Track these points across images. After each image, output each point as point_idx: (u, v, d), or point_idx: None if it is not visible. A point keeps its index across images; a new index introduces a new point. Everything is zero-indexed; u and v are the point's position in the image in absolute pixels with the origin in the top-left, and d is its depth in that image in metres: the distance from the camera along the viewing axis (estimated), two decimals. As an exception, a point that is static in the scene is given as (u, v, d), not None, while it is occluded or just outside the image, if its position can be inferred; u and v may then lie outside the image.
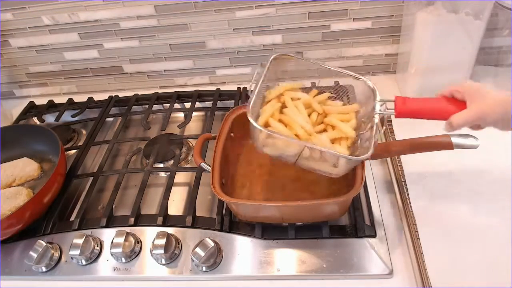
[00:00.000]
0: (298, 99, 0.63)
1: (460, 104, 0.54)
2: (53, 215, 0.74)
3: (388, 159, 0.76)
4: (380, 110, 0.58)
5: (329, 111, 0.64)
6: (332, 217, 0.67)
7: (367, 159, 0.55)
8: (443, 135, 0.62)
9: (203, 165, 0.68)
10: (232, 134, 0.74)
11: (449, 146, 0.61)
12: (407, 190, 0.69)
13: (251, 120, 0.56)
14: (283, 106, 0.63)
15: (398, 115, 0.58)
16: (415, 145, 0.64)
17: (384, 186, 0.74)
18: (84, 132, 0.99)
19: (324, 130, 0.62)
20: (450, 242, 0.61)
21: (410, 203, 0.67)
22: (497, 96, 0.49)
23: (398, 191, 0.70)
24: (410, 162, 0.74)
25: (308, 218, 0.65)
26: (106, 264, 0.67)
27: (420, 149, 0.64)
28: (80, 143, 0.92)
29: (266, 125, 0.60)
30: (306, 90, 0.66)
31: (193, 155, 0.72)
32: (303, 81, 0.67)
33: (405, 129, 0.79)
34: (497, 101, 0.48)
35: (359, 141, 0.60)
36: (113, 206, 0.74)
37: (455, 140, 0.61)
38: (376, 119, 0.58)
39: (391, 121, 0.82)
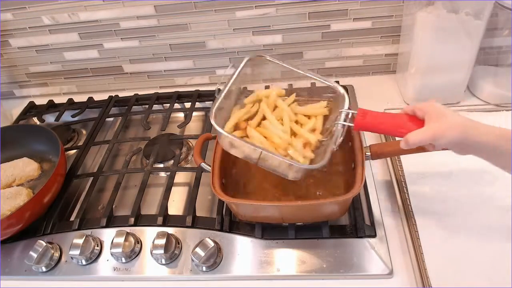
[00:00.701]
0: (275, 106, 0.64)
1: (419, 122, 0.54)
2: (53, 215, 0.74)
3: (388, 159, 0.76)
4: (343, 120, 0.58)
5: (298, 111, 0.64)
6: (332, 217, 0.67)
7: (318, 168, 0.55)
8: None
9: (203, 165, 0.68)
10: None
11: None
12: (407, 190, 0.69)
13: (214, 124, 0.56)
14: (257, 113, 0.64)
15: (356, 128, 0.58)
16: None
17: (384, 186, 0.74)
18: (84, 132, 0.99)
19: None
20: (450, 242, 0.61)
21: (410, 203, 0.67)
22: (454, 119, 0.50)
23: (398, 191, 0.70)
24: (410, 162, 0.74)
25: (308, 218, 0.65)
26: (106, 264, 0.67)
27: (420, 149, 0.64)
28: (80, 143, 0.92)
29: (236, 127, 0.61)
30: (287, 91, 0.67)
31: (193, 155, 0.72)
32: (280, 83, 0.67)
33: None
34: (452, 124, 0.49)
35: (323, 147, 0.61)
36: (113, 206, 0.74)
37: None
38: (338, 129, 0.58)
39: None
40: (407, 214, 0.66)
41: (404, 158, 0.74)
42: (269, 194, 0.70)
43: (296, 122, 0.63)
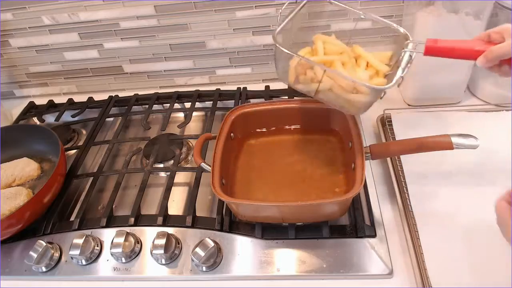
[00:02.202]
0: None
1: (496, 44, 0.53)
2: (53, 215, 0.74)
3: (388, 159, 0.76)
4: (408, 48, 0.58)
5: (362, 53, 0.63)
6: (332, 217, 0.67)
7: (387, 89, 0.54)
8: (443, 135, 0.62)
9: (203, 165, 0.68)
10: (232, 134, 0.74)
11: (449, 146, 0.61)
12: (407, 190, 0.69)
13: (278, 46, 0.56)
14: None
15: (427, 52, 0.57)
16: (415, 145, 0.64)
17: (384, 186, 0.74)
18: (84, 132, 0.99)
19: None
20: (450, 242, 0.61)
21: (410, 203, 0.68)
22: None
23: (398, 191, 0.70)
24: (410, 162, 0.74)
25: (308, 218, 0.65)
26: (106, 264, 0.67)
27: (420, 149, 0.64)
28: (80, 143, 0.92)
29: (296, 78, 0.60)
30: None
31: (193, 155, 0.72)
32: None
33: (405, 129, 0.79)
34: None
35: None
36: (113, 206, 0.74)
37: (455, 140, 0.61)
38: (406, 56, 0.57)
39: (391, 122, 0.83)
40: (407, 214, 0.66)
41: (404, 158, 0.74)
42: (270, 194, 0.70)
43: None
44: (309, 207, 0.61)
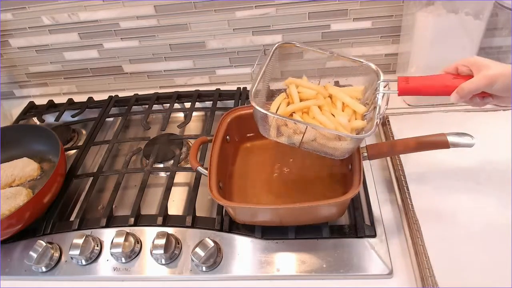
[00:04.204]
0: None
1: (465, 78, 0.54)
2: (53, 215, 0.74)
3: (388, 158, 0.76)
4: (382, 89, 0.59)
5: (336, 93, 0.64)
6: (331, 219, 0.67)
7: (368, 136, 0.55)
8: (439, 134, 0.62)
9: (200, 169, 0.68)
10: (228, 137, 0.74)
11: (445, 145, 0.61)
12: (407, 190, 0.69)
13: (255, 105, 0.56)
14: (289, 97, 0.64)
15: (401, 93, 0.58)
16: (411, 144, 0.64)
17: (384, 186, 0.73)
18: (84, 132, 0.99)
19: None
20: (451, 241, 0.61)
21: (411, 202, 0.67)
22: (504, 65, 0.50)
23: (398, 191, 0.70)
24: (411, 161, 0.74)
25: (306, 220, 0.65)
26: (106, 264, 0.67)
27: (417, 149, 0.64)
28: (80, 143, 0.92)
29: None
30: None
31: (189, 160, 0.72)
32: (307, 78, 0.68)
33: (404, 129, 0.79)
34: (504, 69, 0.49)
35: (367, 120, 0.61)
36: (113, 206, 0.74)
37: (451, 138, 0.61)
38: (379, 99, 0.58)
39: (389, 121, 0.83)
40: (408, 214, 0.66)
41: (404, 158, 0.74)
42: (267, 197, 0.70)
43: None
44: (307, 209, 0.61)
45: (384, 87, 0.59)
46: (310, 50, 0.65)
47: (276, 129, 0.61)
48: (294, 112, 0.62)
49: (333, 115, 0.61)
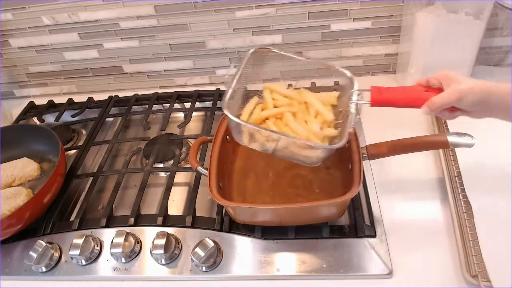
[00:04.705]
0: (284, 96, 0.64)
1: (436, 91, 0.55)
2: (53, 215, 0.74)
3: (442, 155, 0.75)
4: (355, 99, 0.59)
5: (309, 99, 0.64)
6: (330, 219, 0.67)
7: (338, 148, 0.55)
8: (439, 134, 0.62)
9: (200, 169, 0.68)
10: (227, 137, 0.73)
11: (445, 145, 0.61)
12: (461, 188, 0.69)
13: (228, 114, 0.56)
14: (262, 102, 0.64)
15: (373, 104, 0.58)
16: (411, 144, 0.64)
17: (384, 185, 0.73)
18: (84, 132, 0.99)
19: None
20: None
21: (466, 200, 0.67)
22: (474, 81, 0.51)
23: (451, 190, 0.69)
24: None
25: (306, 220, 0.65)
26: (106, 264, 0.67)
27: (417, 149, 0.64)
28: (80, 143, 0.92)
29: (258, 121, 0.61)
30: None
31: (189, 160, 0.72)
32: (285, 81, 0.67)
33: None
34: (474, 85, 0.50)
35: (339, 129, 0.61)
36: (113, 206, 0.74)
37: (451, 138, 0.61)
38: (352, 108, 0.58)
39: None
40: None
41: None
42: (267, 197, 0.70)
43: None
44: (307, 209, 0.60)
45: (358, 95, 0.59)
46: (286, 55, 0.65)
47: (249, 135, 0.61)
48: (267, 118, 0.62)
49: (306, 122, 0.62)
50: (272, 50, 0.64)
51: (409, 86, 0.58)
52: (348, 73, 0.63)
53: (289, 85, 0.68)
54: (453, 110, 0.54)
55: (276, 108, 0.62)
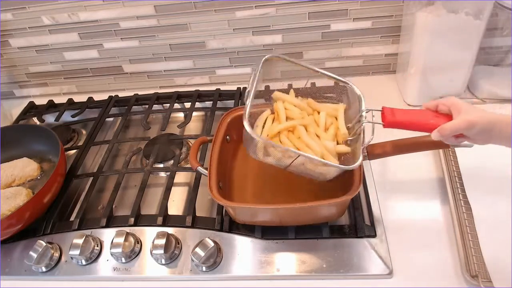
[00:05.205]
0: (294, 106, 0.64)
1: (445, 117, 0.57)
2: (53, 215, 0.74)
3: (442, 156, 0.75)
4: (366, 119, 0.60)
5: (319, 108, 0.65)
6: (331, 219, 0.67)
7: (353, 168, 0.56)
8: None
9: (200, 169, 0.68)
10: (227, 137, 0.74)
11: (445, 145, 0.61)
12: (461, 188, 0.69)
13: (250, 131, 0.56)
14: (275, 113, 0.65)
15: (387, 125, 0.59)
16: (411, 145, 0.64)
17: (384, 185, 0.73)
18: (84, 132, 0.99)
19: None
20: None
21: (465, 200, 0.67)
22: (481, 112, 0.55)
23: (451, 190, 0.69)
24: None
25: (306, 220, 0.65)
26: (106, 264, 0.67)
27: (417, 149, 0.65)
28: (80, 143, 0.92)
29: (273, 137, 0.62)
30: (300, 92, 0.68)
31: (189, 160, 0.72)
32: (297, 81, 0.68)
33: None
34: (481, 116, 0.54)
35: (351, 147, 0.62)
36: (113, 206, 0.74)
37: None
38: (364, 128, 0.59)
39: None
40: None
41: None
42: (266, 197, 0.70)
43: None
44: (307, 209, 0.61)
45: (367, 112, 0.60)
46: (298, 65, 0.65)
47: (264, 150, 0.61)
48: (279, 132, 0.62)
49: (318, 135, 0.62)
50: (286, 59, 0.65)
51: (419, 109, 0.60)
52: (357, 90, 0.64)
53: (293, 89, 0.68)
54: (459, 136, 0.56)
55: (289, 122, 0.62)
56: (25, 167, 0.82)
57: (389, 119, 0.59)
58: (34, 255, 0.65)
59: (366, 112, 0.60)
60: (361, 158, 0.56)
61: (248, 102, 0.59)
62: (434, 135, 0.56)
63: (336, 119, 0.64)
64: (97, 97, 1.05)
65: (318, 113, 0.65)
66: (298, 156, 0.57)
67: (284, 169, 0.62)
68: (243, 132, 0.58)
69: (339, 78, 0.65)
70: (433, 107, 0.58)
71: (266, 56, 0.64)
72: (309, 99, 0.66)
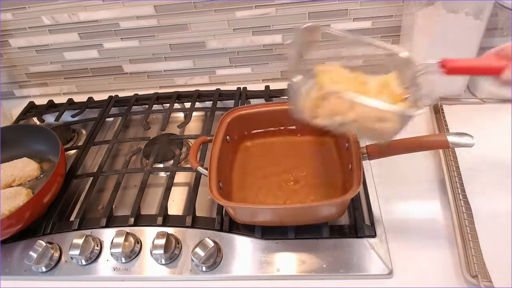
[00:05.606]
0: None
1: (508, 60, 0.54)
2: (53, 215, 0.74)
3: (443, 156, 0.75)
4: (423, 72, 0.56)
5: (369, 81, 0.61)
6: (330, 219, 0.67)
7: (419, 114, 0.51)
8: (439, 134, 0.62)
9: (200, 169, 0.68)
10: (227, 137, 0.74)
11: (445, 145, 0.61)
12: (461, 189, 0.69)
13: (295, 79, 0.52)
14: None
15: (450, 72, 0.56)
16: (411, 144, 0.64)
17: (384, 185, 0.73)
18: (84, 132, 0.99)
19: None
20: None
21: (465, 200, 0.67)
22: None
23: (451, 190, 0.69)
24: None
25: (306, 220, 0.65)
26: (106, 264, 0.67)
27: (417, 149, 0.64)
28: (80, 143, 0.92)
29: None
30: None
31: (189, 160, 0.72)
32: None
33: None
34: None
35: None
36: (113, 206, 0.74)
37: (450, 138, 0.61)
38: (420, 78, 0.56)
39: (443, 109, 0.82)
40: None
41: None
42: (267, 197, 0.70)
43: None
44: (307, 209, 0.61)
45: (423, 66, 0.56)
46: (338, 35, 0.61)
47: (312, 108, 0.55)
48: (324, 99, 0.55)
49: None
50: (325, 30, 0.61)
51: (478, 58, 0.58)
52: (405, 53, 0.59)
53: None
54: None
55: (337, 86, 0.56)
56: (25, 167, 0.82)
57: (451, 64, 0.55)
58: (34, 255, 0.65)
59: (422, 67, 0.57)
60: (423, 106, 0.52)
61: (293, 57, 0.55)
62: (506, 75, 0.55)
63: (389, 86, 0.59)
64: (97, 97, 1.05)
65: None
66: (353, 104, 0.50)
67: (334, 131, 0.55)
68: (287, 88, 0.53)
69: (377, 44, 0.61)
70: (494, 52, 0.57)
71: (306, 25, 0.60)
72: (358, 72, 0.60)
